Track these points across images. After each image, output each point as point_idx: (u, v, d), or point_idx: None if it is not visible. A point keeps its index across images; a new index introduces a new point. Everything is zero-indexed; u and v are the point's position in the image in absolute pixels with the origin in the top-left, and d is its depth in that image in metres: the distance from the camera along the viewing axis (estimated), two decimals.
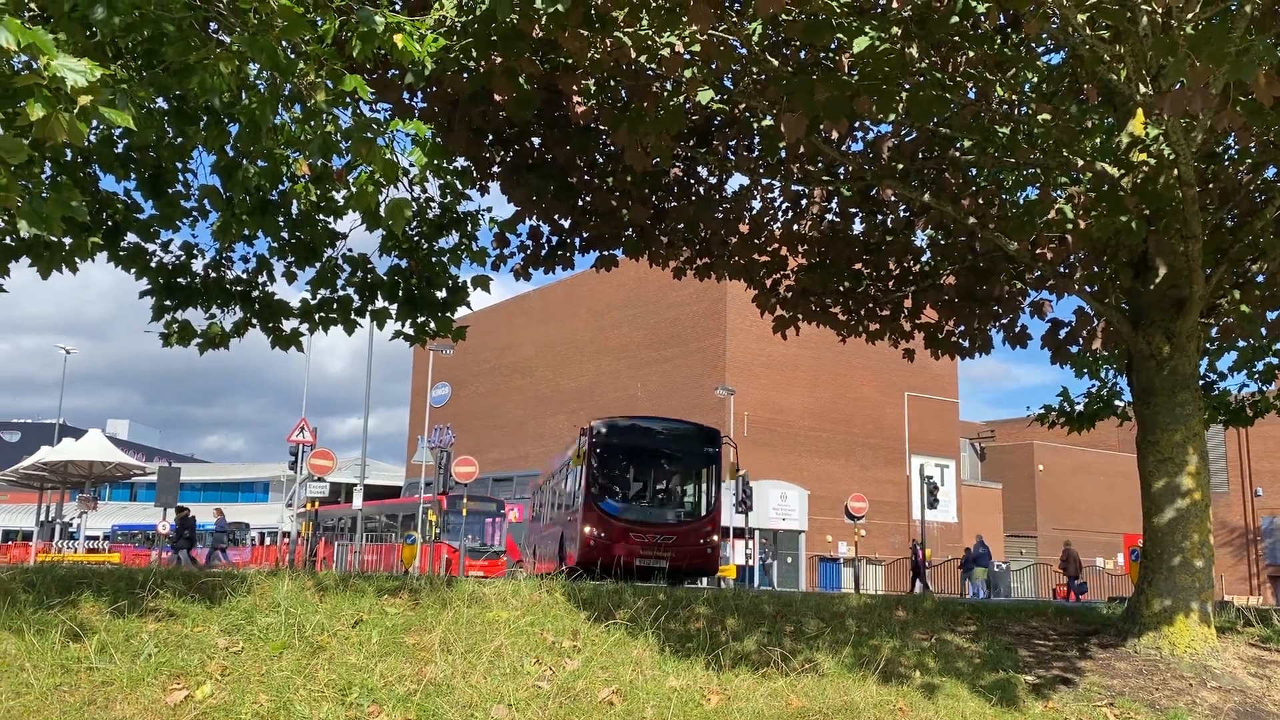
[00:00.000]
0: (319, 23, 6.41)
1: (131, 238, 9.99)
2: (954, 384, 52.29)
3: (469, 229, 10.94)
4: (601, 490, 20.23)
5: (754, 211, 13.39)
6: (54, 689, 5.98)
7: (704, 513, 20.80)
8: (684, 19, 7.88)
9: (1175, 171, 9.21)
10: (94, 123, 4.72)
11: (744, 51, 9.16)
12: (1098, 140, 10.10)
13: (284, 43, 6.31)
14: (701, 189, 12.96)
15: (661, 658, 8.30)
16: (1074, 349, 13.05)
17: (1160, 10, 7.36)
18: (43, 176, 7.83)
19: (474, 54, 8.77)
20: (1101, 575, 48.26)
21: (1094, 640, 10.80)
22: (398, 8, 9.28)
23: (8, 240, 9.60)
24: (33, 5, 6.27)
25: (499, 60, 8.87)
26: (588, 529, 19.57)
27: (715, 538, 20.53)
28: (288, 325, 10.70)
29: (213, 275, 10.57)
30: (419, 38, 6.20)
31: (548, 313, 56.82)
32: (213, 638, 7.07)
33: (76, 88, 4.24)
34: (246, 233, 10.03)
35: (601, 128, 10.89)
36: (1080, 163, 9.87)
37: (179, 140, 9.08)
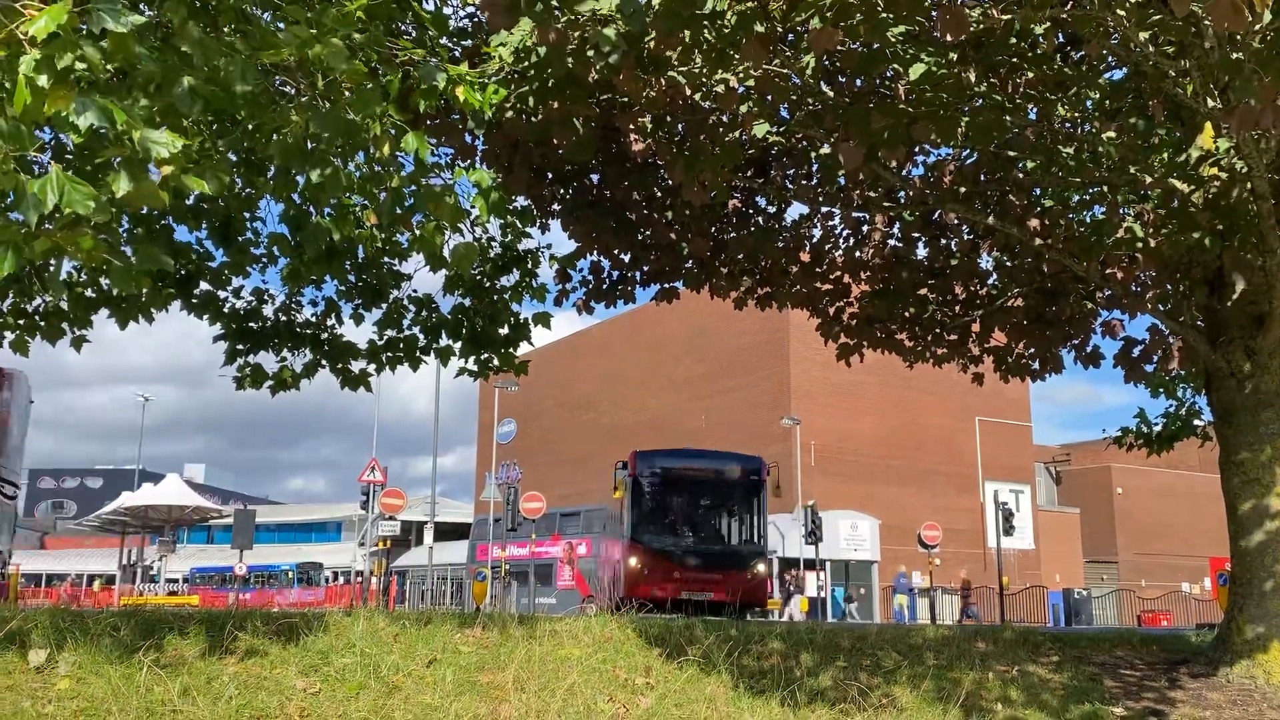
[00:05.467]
0: (381, 74, 6.55)
1: (204, 285, 10.29)
2: (1026, 408, 51.28)
3: (530, 266, 11.06)
4: None
5: (814, 240, 13.32)
6: None
7: None
8: (737, 57, 7.91)
9: (1249, 185, 8.98)
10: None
11: (799, 83, 9.16)
12: (1165, 156, 9.88)
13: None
14: (760, 219, 12.94)
15: (736, 694, 8.20)
16: (1149, 368, 12.73)
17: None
18: (120, 230, 8.10)
19: (531, 102, 8.91)
20: (1188, 600, 46.77)
21: (1184, 669, 10.44)
22: (458, 55, 9.45)
23: (88, 293, 9.96)
24: (109, 67, 6.50)
25: (556, 106, 8.98)
26: None
27: None
28: (356, 366, 10.91)
29: (283, 319, 10.82)
30: (480, 87, 6.30)
31: (609, 347, 57.03)
32: (291, 679, 7.15)
33: (159, 159, 4.41)
34: (314, 277, 10.26)
35: (659, 163, 10.96)
36: (1149, 180, 9.66)
37: (248, 190, 9.35)
